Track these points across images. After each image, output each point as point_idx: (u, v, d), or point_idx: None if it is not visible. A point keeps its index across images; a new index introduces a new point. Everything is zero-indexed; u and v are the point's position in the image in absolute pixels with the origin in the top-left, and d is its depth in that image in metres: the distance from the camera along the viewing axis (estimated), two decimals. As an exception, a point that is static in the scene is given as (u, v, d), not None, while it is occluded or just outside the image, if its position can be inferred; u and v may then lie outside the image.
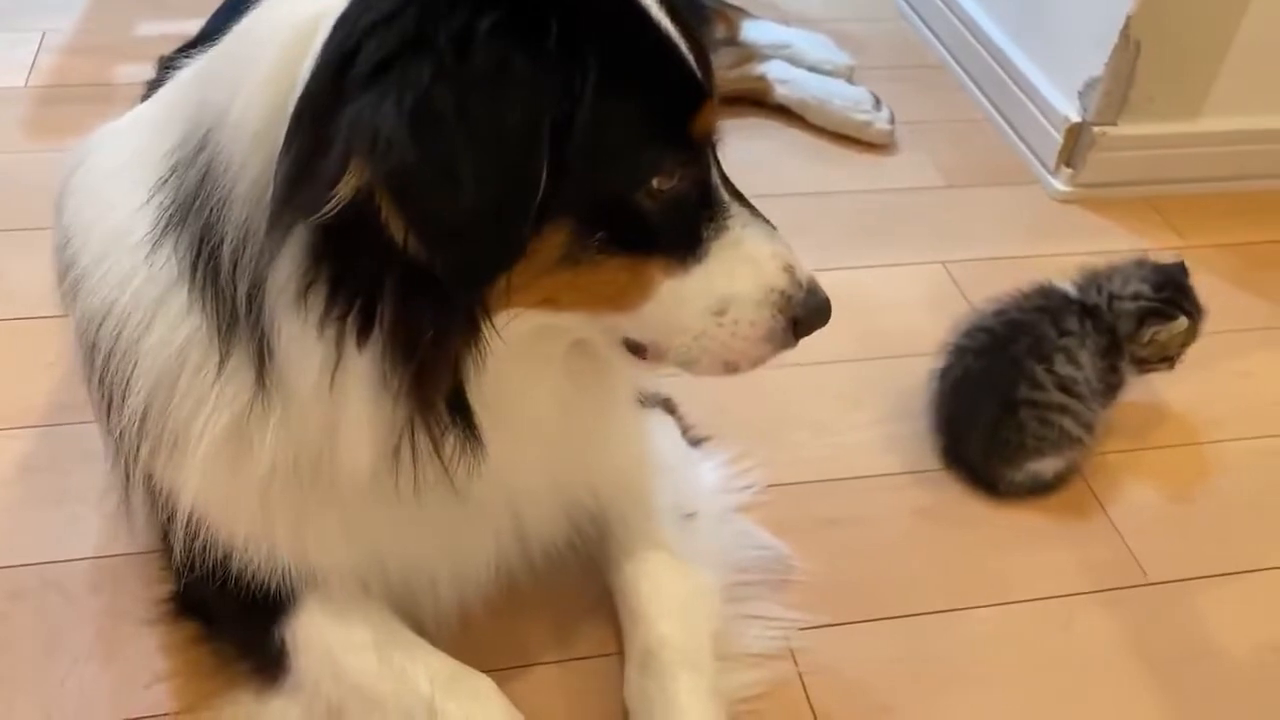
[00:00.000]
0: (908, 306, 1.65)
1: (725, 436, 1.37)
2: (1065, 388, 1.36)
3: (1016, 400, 1.36)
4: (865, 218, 1.83)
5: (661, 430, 1.26)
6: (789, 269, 0.92)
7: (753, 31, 2.09)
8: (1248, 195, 1.94)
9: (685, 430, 1.34)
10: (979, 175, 1.95)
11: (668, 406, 1.34)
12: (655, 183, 0.83)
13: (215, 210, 0.85)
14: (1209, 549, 1.36)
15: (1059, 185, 1.89)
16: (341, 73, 0.76)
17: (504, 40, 0.75)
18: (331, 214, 0.76)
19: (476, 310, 0.84)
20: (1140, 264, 1.45)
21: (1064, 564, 1.33)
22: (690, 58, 0.85)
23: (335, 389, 0.86)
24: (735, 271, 0.89)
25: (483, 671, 1.06)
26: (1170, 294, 1.40)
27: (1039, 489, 1.39)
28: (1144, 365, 1.42)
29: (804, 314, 0.92)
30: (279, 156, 0.80)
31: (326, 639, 1.04)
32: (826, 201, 1.86)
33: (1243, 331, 1.67)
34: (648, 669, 1.09)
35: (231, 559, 1.01)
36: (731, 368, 0.94)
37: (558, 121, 0.78)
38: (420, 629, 1.09)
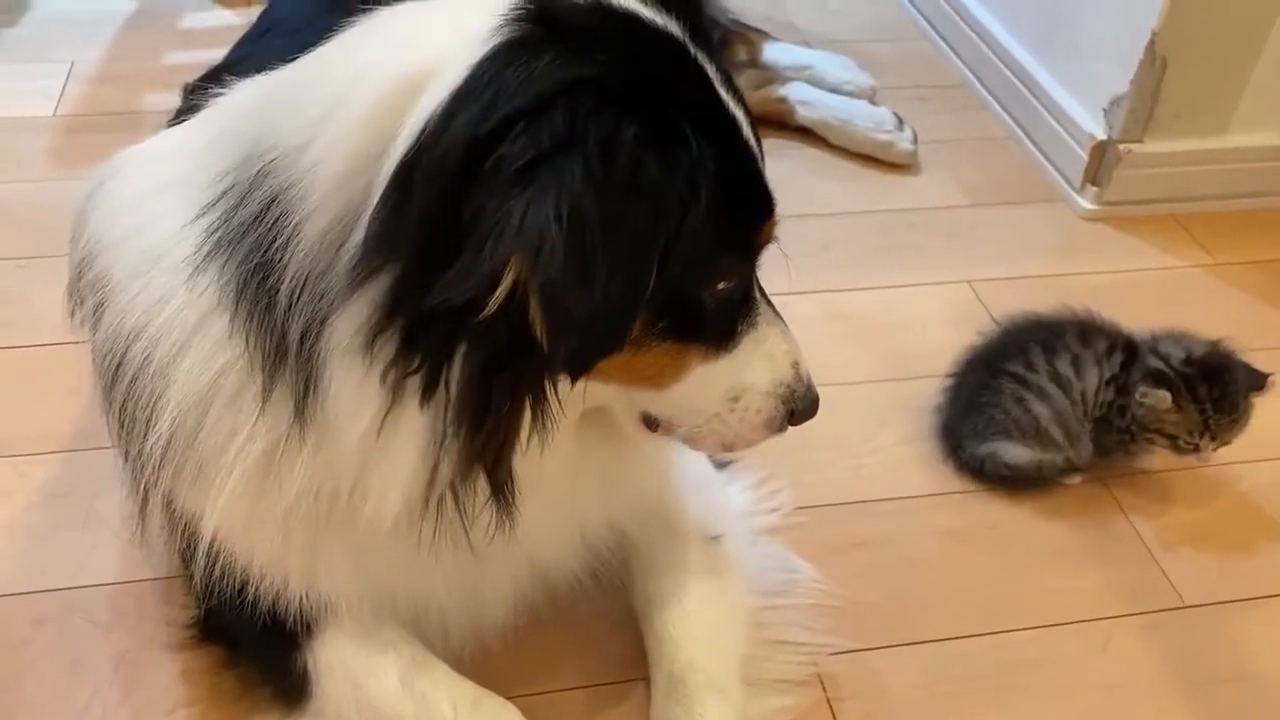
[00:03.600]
0: (933, 326, 1.64)
1: (751, 459, 1.35)
2: (1056, 381, 1.34)
3: (1003, 370, 1.35)
4: (890, 237, 1.82)
5: (684, 454, 1.25)
6: (795, 365, 0.98)
7: (774, 53, 2.09)
8: (1276, 211, 1.91)
9: (710, 455, 1.33)
10: (1004, 194, 1.93)
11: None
12: (720, 285, 0.89)
13: (278, 243, 0.84)
14: (1244, 572, 1.33)
15: (1085, 204, 1.87)
16: (475, 155, 0.76)
17: (645, 149, 0.78)
18: (490, 310, 0.76)
19: (550, 388, 0.85)
20: (1206, 343, 1.38)
21: (1098, 586, 1.30)
22: (764, 171, 0.91)
23: (383, 437, 0.86)
24: (756, 364, 0.96)
25: (508, 698, 1.05)
26: (1191, 372, 1.33)
27: (995, 474, 1.38)
28: (1145, 431, 1.35)
29: (801, 406, 0.99)
30: (374, 208, 0.79)
31: (349, 664, 1.03)
32: (851, 221, 1.85)
33: (1275, 349, 1.65)
34: (674, 695, 1.07)
35: (251, 585, 1.01)
36: (729, 447, 1.01)
37: (673, 230, 0.81)
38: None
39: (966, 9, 2.18)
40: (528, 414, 0.85)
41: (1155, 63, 1.73)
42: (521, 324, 0.78)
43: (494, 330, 0.79)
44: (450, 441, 0.84)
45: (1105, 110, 1.82)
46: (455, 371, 0.82)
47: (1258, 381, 1.34)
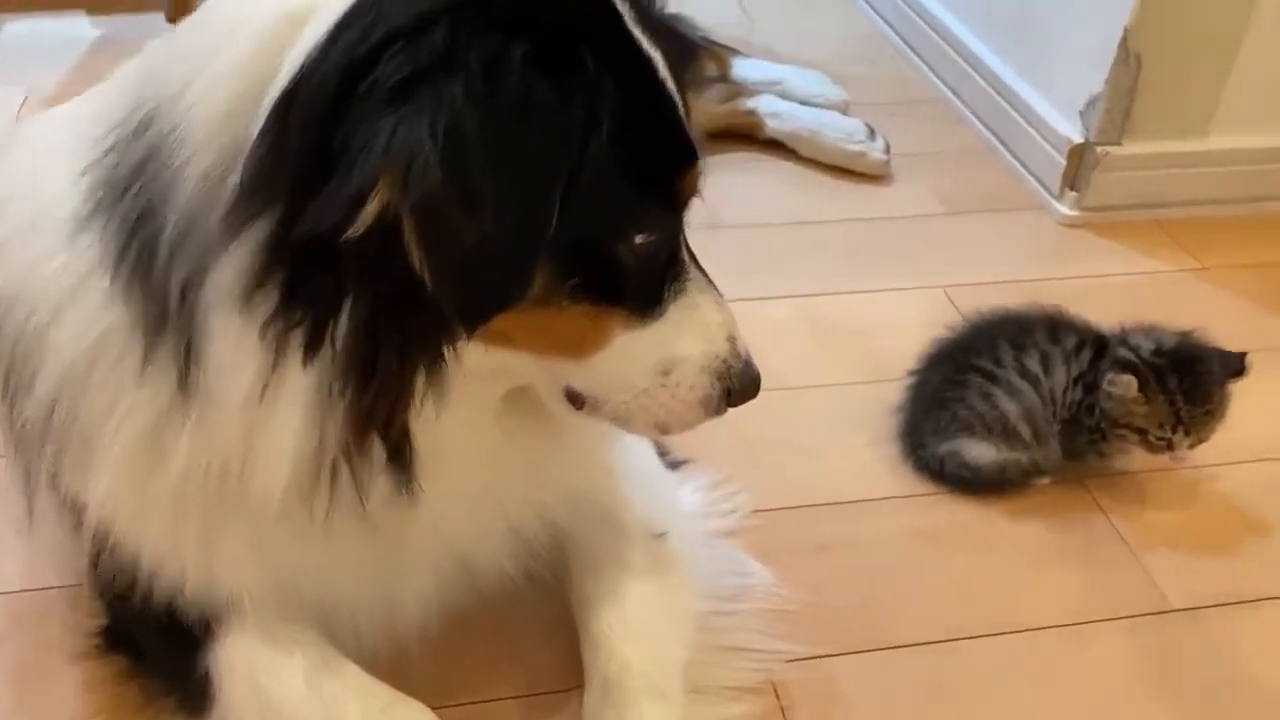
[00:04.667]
0: (906, 330, 1.55)
1: (708, 462, 1.28)
2: (1025, 377, 1.27)
3: (970, 365, 1.28)
4: (861, 244, 1.76)
5: (628, 447, 1.17)
6: (732, 339, 0.92)
7: (744, 69, 2.04)
8: (1264, 218, 1.85)
9: (662, 454, 1.26)
10: (981, 202, 1.87)
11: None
12: (637, 239, 0.82)
13: (158, 193, 0.79)
14: (1230, 573, 1.25)
15: (1064, 209, 1.81)
16: (351, 81, 0.71)
17: (535, 71, 0.72)
18: (356, 234, 0.70)
19: (448, 348, 0.79)
20: (1177, 334, 1.31)
21: (1078, 589, 1.22)
22: (686, 119, 0.85)
23: (266, 400, 0.79)
24: (686, 334, 0.89)
25: (435, 708, 0.96)
26: (1160, 363, 1.26)
27: (955, 474, 1.30)
28: (1115, 427, 1.27)
29: (739, 385, 0.92)
30: (251, 148, 0.74)
31: (252, 666, 0.95)
32: (821, 230, 1.79)
33: (1270, 351, 1.57)
34: (608, 699, 0.98)
35: (147, 580, 0.93)
36: (662, 428, 0.93)
37: (573, 161, 0.75)
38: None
39: (939, 21, 2.14)
40: (421, 373, 0.78)
41: (1129, 60, 1.68)
42: (406, 267, 0.72)
43: (377, 273, 0.73)
44: (336, 402, 0.77)
45: (1081, 112, 1.77)
46: (341, 325, 0.75)
47: (1233, 365, 1.27)
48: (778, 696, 1.08)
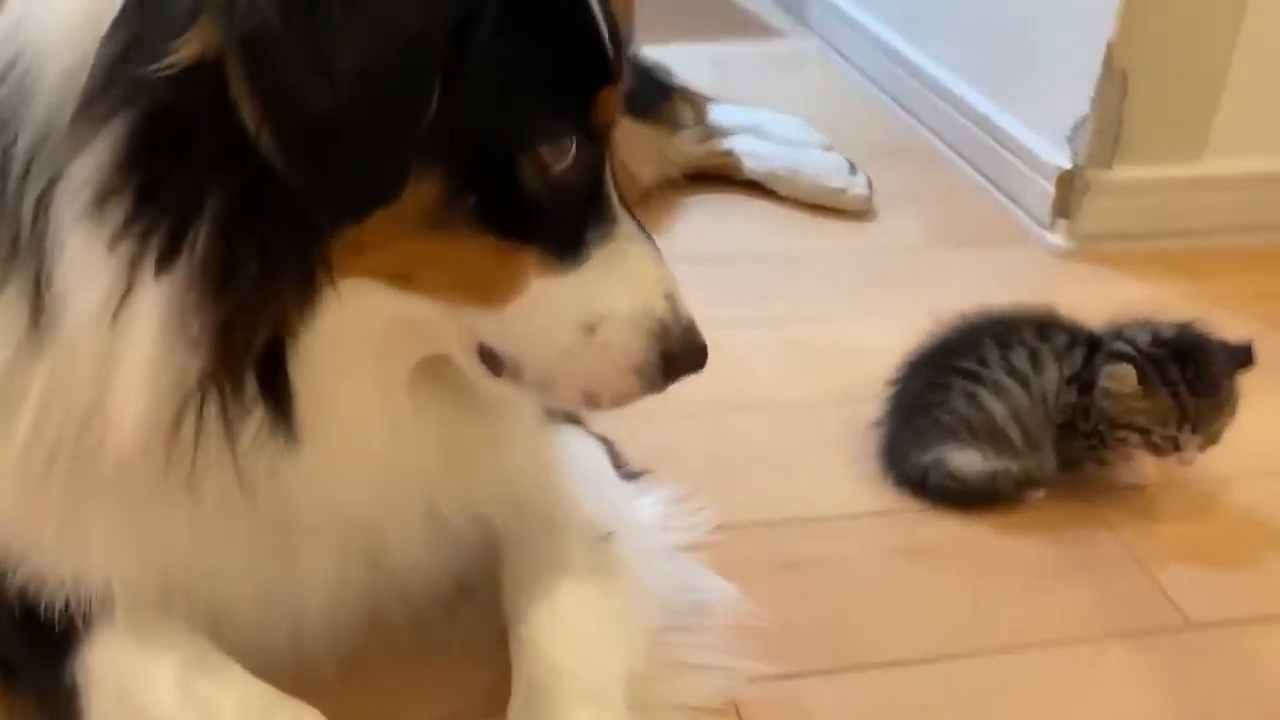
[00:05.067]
0: (888, 353, 1.43)
1: (673, 476, 1.16)
2: (1013, 375, 1.17)
3: (952, 366, 1.17)
4: (843, 274, 1.67)
5: (575, 447, 1.06)
6: (671, 298, 0.82)
7: (721, 115, 1.99)
8: (1268, 247, 1.75)
9: (619, 465, 1.14)
10: (968, 235, 1.79)
11: (606, 447, 1.14)
12: (544, 156, 0.74)
13: (13, 101, 0.71)
14: (1254, 589, 1.12)
15: (1057, 239, 1.72)
16: None
17: None
18: (165, 77, 0.62)
19: (316, 257, 0.69)
20: (1176, 324, 1.21)
21: (1082, 605, 1.09)
22: (606, 37, 0.77)
23: (117, 323, 0.69)
24: (615, 286, 0.80)
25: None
26: (1160, 353, 1.15)
27: (940, 486, 1.18)
28: (1114, 429, 1.16)
29: (679, 350, 0.82)
30: (104, 38, 0.67)
31: (120, 672, 0.82)
32: (800, 261, 1.70)
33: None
34: (533, 704, 0.86)
35: (4, 573, 0.82)
36: (592, 399, 0.83)
37: (458, 37, 0.67)
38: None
39: (918, 67, 2.09)
40: (289, 286, 0.68)
41: (1115, 77, 1.62)
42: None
43: (230, 160, 0.64)
44: (192, 320, 0.67)
45: (1068, 137, 1.69)
46: (200, 230, 0.66)
47: (1240, 356, 1.16)
48: (739, 716, 0.94)
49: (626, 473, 1.14)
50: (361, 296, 0.73)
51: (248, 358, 0.70)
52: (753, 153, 1.90)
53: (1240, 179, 1.72)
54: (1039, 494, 1.19)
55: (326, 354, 0.73)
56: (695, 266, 1.67)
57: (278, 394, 0.72)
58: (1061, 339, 1.20)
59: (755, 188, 1.89)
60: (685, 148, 1.89)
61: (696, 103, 2.00)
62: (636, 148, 1.77)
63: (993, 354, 1.19)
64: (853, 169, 1.85)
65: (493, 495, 0.94)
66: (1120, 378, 1.13)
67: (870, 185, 1.84)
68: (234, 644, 0.86)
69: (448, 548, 0.93)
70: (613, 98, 0.78)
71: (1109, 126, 1.65)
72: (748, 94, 2.14)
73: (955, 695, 0.99)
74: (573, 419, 1.11)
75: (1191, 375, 1.14)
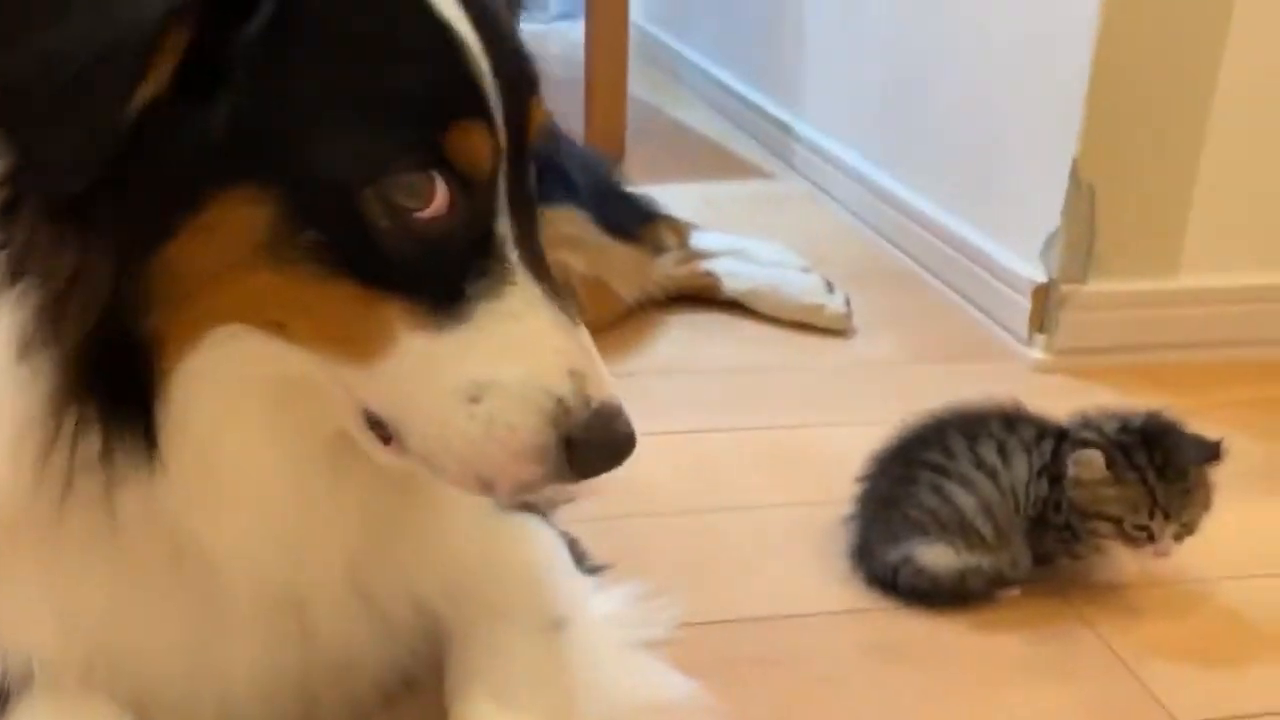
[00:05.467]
0: (862, 459, 1.44)
1: (639, 576, 1.13)
2: (981, 468, 1.14)
3: (919, 460, 1.15)
4: (824, 388, 1.66)
5: (526, 535, 1.03)
6: (576, 375, 0.72)
7: (703, 240, 2.03)
8: (1248, 363, 1.74)
9: (580, 560, 1.11)
10: (947, 351, 1.78)
11: (568, 544, 1.11)
12: (396, 196, 0.68)
13: None
14: (1239, 689, 1.07)
15: (1036, 354, 1.72)
16: None
17: None
18: None
19: (134, 269, 0.67)
20: (1144, 413, 1.19)
21: (1066, 704, 1.04)
22: (474, 62, 0.70)
23: None
24: (502, 351, 0.71)
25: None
26: (1127, 439, 1.13)
27: (910, 585, 1.14)
28: (1085, 519, 1.13)
29: (586, 437, 0.71)
30: None
31: (35, 742, 0.79)
32: (782, 376, 1.70)
33: (1257, 476, 1.44)
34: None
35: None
36: (487, 486, 0.74)
37: (221, 38, 0.65)
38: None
39: (897, 198, 2.13)
40: (89, 282, 0.67)
41: (1083, 190, 1.64)
42: None
43: None
44: (26, 303, 0.67)
45: (1042, 253, 1.71)
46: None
47: (1208, 451, 1.13)
48: (695, 812, 0.89)
49: (588, 568, 1.11)
50: (238, 342, 0.71)
51: (93, 375, 0.68)
52: (733, 273, 1.92)
53: (1215, 293, 1.72)
54: (1013, 592, 1.15)
55: (209, 399, 0.72)
56: (674, 379, 1.71)
57: (142, 423, 0.70)
58: (1029, 431, 1.19)
59: (737, 308, 1.91)
60: (667, 269, 1.92)
61: (679, 228, 2.04)
62: (617, 266, 1.79)
63: (959, 446, 1.17)
64: (830, 287, 1.86)
65: (433, 580, 0.90)
66: (1087, 463, 1.11)
67: (848, 303, 1.85)
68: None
69: (384, 632, 0.89)
70: (477, 136, 0.70)
71: (1081, 240, 1.67)
72: (736, 228, 2.18)
73: (927, 794, 0.93)
74: (530, 508, 1.09)
75: (1160, 461, 1.11)
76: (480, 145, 0.70)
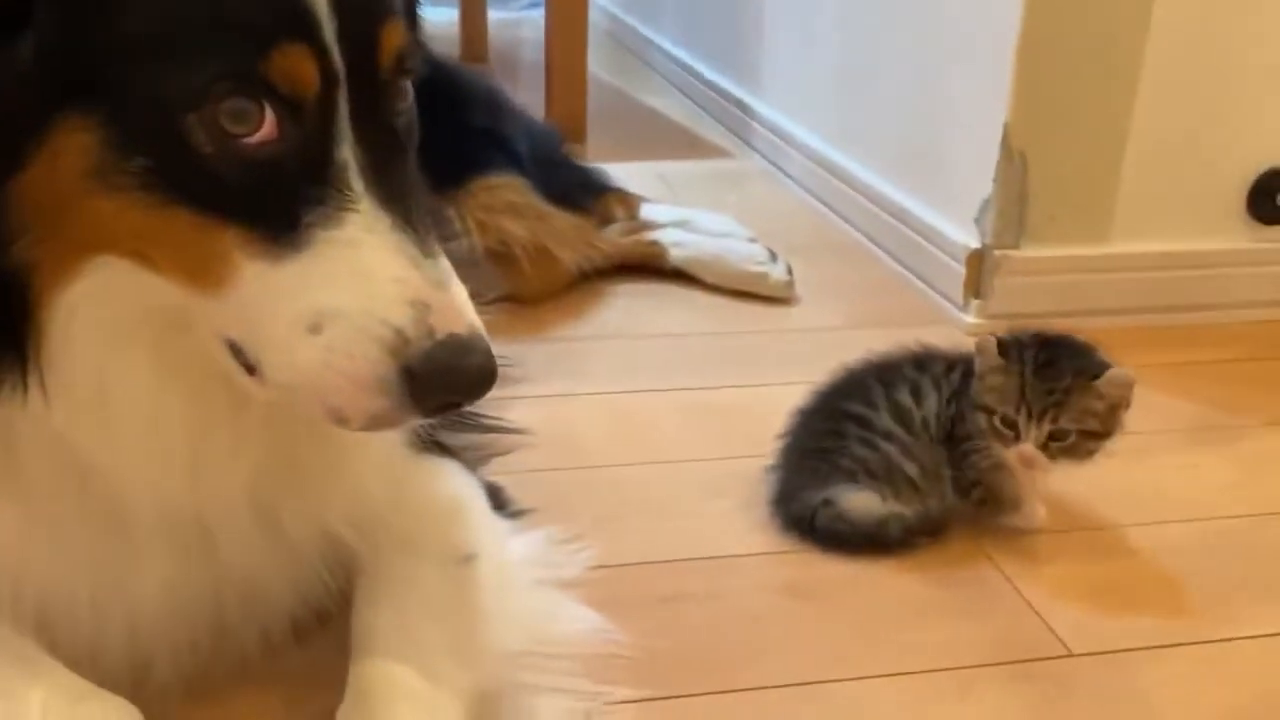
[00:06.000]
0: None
1: (559, 522, 1.15)
2: (897, 415, 1.18)
3: (843, 411, 1.18)
4: (761, 351, 1.69)
5: (441, 475, 1.05)
6: (419, 304, 0.70)
7: (651, 211, 2.05)
8: (1178, 327, 1.78)
9: (501, 505, 1.14)
10: (885, 317, 1.81)
11: (490, 490, 1.14)
12: (221, 120, 0.67)
13: None
14: (1139, 625, 1.10)
15: (970, 319, 1.75)
16: None
17: None
18: None
19: None
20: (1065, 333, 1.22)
21: (967, 637, 1.07)
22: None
23: None
24: (338, 280, 0.70)
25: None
26: (1025, 339, 1.18)
27: (828, 528, 1.17)
28: (975, 409, 1.15)
29: (424, 366, 0.69)
30: None
31: (-66, 668, 0.80)
32: (721, 341, 1.73)
33: (1179, 432, 1.48)
34: (359, 706, 0.83)
35: None
36: (337, 415, 0.73)
37: None
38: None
39: (844, 170, 2.16)
40: None
41: (1014, 158, 1.67)
42: None
43: None
44: None
45: (976, 219, 1.74)
46: None
47: (1091, 366, 1.15)
48: (594, 736, 0.92)
49: (508, 513, 1.14)
50: (112, 272, 0.73)
51: None
52: (679, 242, 1.94)
53: (1145, 258, 1.76)
54: (926, 541, 1.18)
55: (90, 328, 0.74)
56: (614, 344, 1.74)
57: (21, 352, 0.72)
58: (939, 366, 1.22)
59: (683, 278, 1.93)
60: (612, 237, 1.94)
61: (629, 201, 2.07)
62: (560, 234, 1.81)
63: (878, 395, 1.20)
64: (774, 256, 1.89)
65: (340, 510, 0.92)
66: (983, 349, 1.16)
67: (791, 272, 1.88)
68: (70, 653, 0.85)
69: (291, 559, 0.91)
70: (299, 60, 0.69)
71: (1013, 207, 1.70)
72: (692, 204, 2.21)
73: (827, 717, 0.96)
74: (452, 454, 1.12)
75: (1041, 360, 1.14)
76: (303, 69, 0.69)
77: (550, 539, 1.12)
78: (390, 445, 0.98)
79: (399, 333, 0.69)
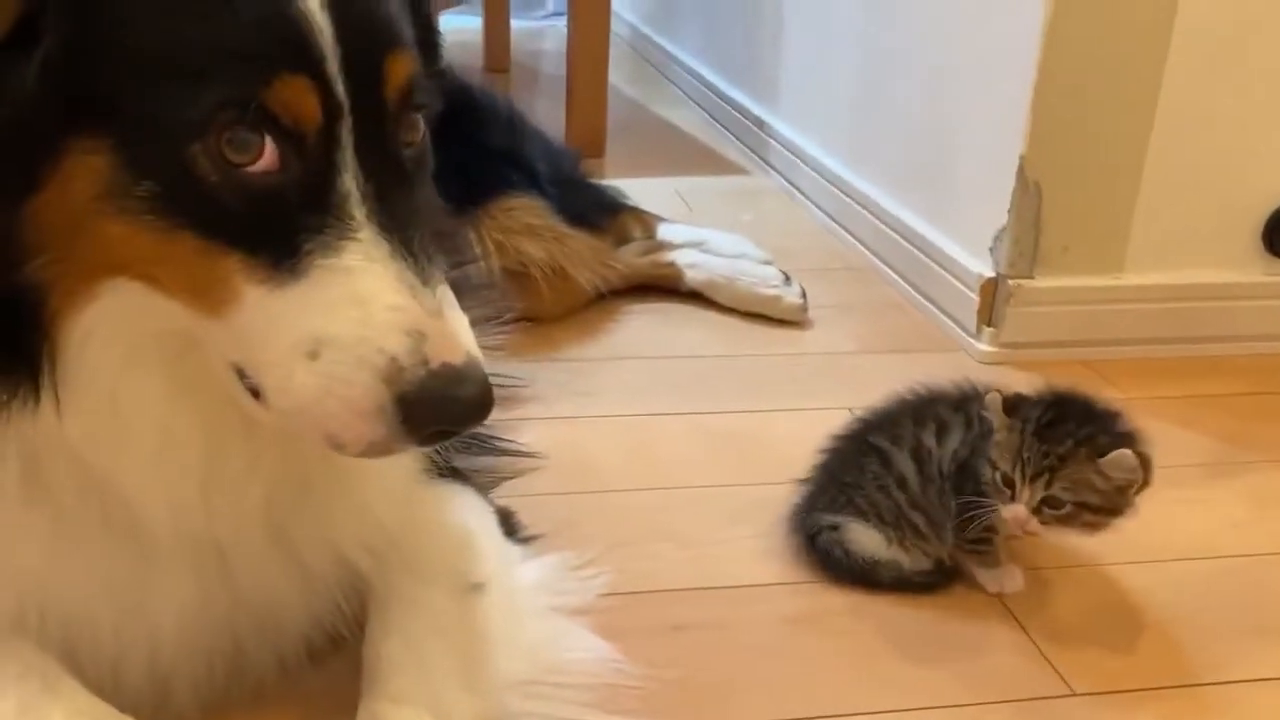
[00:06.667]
0: (806, 444, 1.47)
1: (570, 547, 1.17)
2: (917, 457, 1.18)
3: (870, 444, 1.19)
4: (774, 375, 1.71)
5: (454, 501, 1.07)
6: (415, 333, 0.71)
7: (668, 231, 2.07)
8: (1190, 359, 1.78)
9: (513, 530, 1.15)
10: (897, 343, 1.83)
11: (501, 515, 1.16)
12: (224, 149, 0.69)
13: None
14: (1145, 663, 1.11)
15: (983, 346, 1.76)
16: None
17: None
18: None
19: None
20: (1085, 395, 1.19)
21: (973, 674, 1.08)
22: (312, 21, 0.70)
23: None
24: (337, 307, 0.71)
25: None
26: (1033, 398, 1.15)
27: (829, 554, 1.18)
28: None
29: (418, 395, 0.70)
30: None
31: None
32: (735, 364, 1.74)
33: (1188, 466, 1.48)
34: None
35: None
36: (335, 441, 0.74)
37: None
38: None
39: (864, 195, 2.17)
40: None
41: (1030, 188, 1.68)
42: None
43: None
44: None
45: (991, 248, 1.75)
46: None
47: (1105, 441, 1.09)
48: (602, 766, 0.93)
49: (520, 538, 1.16)
50: (125, 295, 0.74)
51: None
52: (694, 264, 1.96)
53: (1158, 290, 1.76)
54: (916, 583, 1.18)
55: (105, 348, 0.75)
56: (628, 366, 1.76)
57: (36, 372, 0.74)
58: (976, 406, 1.20)
59: (699, 299, 1.95)
60: (628, 258, 1.96)
61: (646, 221, 2.09)
62: (576, 255, 1.83)
63: (906, 431, 1.20)
64: (788, 279, 1.91)
65: (353, 535, 0.95)
66: (990, 403, 1.14)
67: (804, 295, 1.89)
68: (93, 673, 0.87)
69: (305, 583, 0.93)
70: (300, 91, 0.70)
71: (1028, 236, 1.71)
72: (708, 222, 2.22)
73: (827, 754, 0.97)
74: (464, 479, 1.13)
75: (1045, 420, 1.12)
76: (303, 102, 0.70)
77: (561, 565, 1.14)
78: (403, 470, 1.00)
79: (394, 361, 0.70)
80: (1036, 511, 1.10)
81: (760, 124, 2.76)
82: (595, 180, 2.13)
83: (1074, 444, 1.10)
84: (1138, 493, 1.11)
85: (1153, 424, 1.57)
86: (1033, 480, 1.09)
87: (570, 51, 2.77)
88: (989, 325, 1.76)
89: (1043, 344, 1.75)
